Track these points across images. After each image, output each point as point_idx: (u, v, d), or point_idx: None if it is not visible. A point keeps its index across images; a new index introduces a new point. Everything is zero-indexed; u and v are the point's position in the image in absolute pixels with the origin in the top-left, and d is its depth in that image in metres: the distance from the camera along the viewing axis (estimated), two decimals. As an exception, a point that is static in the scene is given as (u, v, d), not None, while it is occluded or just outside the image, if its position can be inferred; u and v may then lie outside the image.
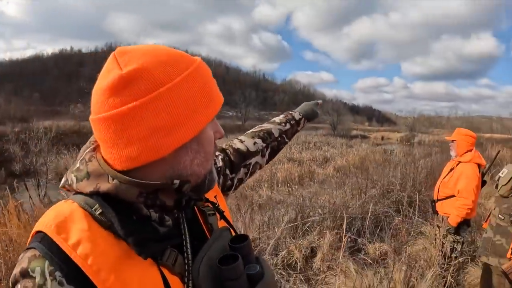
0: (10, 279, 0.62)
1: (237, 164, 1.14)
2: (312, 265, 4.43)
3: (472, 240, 4.89)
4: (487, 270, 2.77)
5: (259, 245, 4.49)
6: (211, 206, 0.83)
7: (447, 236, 3.71)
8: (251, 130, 1.26)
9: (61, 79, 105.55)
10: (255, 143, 1.20)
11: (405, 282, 2.98)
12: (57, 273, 0.58)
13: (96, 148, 0.73)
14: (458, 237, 3.68)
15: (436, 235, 4.04)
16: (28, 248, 0.63)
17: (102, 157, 0.69)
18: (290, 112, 1.36)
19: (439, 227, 3.91)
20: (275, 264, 4.25)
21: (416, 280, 3.15)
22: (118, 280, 0.61)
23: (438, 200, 3.94)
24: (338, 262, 3.58)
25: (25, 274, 0.59)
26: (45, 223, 0.63)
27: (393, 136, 53.75)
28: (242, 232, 0.85)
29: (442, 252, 3.72)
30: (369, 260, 4.04)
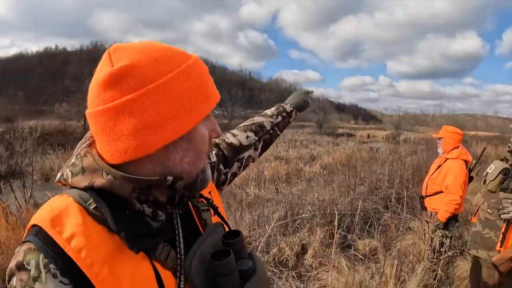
0: (7, 272, 0.63)
1: (231, 158, 1.14)
2: (303, 262, 4.47)
3: (459, 235, 4.99)
4: (476, 263, 2.85)
5: (250, 243, 4.51)
6: (205, 202, 0.84)
7: (436, 231, 3.79)
8: (243, 124, 1.27)
9: (46, 78, 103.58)
10: (247, 136, 1.20)
11: (396, 277, 3.04)
12: (52, 266, 0.59)
13: (91, 144, 0.74)
14: (446, 232, 3.76)
15: (425, 230, 4.12)
16: (23, 242, 0.64)
17: (97, 152, 0.71)
18: (281, 104, 1.37)
19: (428, 223, 3.99)
20: (267, 261, 4.28)
21: (407, 274, 3.21)
22: (111, 273, 0.62)
23: (426, 196, 4.02)
24: (330, 258, 3.63)
25: (20, 267, 0.60)
26: (41, 217, 0.64)
27: (379, 134, 54.11)
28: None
29: (431, 246, 3.80)
30: (360, 256, 4.10)
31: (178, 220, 0.75)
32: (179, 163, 0.70)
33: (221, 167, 1.11)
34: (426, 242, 3.94)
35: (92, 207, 0.65)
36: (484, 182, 2.79)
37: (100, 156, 0.70)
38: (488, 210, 2.71)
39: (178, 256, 0.71)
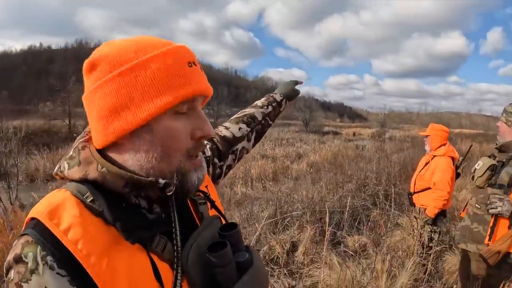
0: (4, 265, 0.64)
1: (225, 152, 1.15)
2: (294, 259, 4.50)
3: (447, 230, 5.09)
4: (465, 256, 2.91)
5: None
6: (202, 195, 0.85)
7: (424, 226, 3.86)
8: (234, 116, 1.27)
9: (30, 76, 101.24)
10: (240, 128, 1.21)
11: (387, 272, 3.09)
12: (49, 258, 0.60)
13: (89, 139, 0.75)
14: (435, 227, 3.84)
15: (413, 226, 4.19)
16: (21, 235, 0.64)
17: (95, 147, 0.73)
18: (271, 94, 1.37)
19: (416, 218, 4.06)
20: (258, 259, 4.29)
21: (397, 269, 3.27)
22: (108, 264, 0.62)
23: (414, 192, 4.09)
24: (322, 255, 3.67)
25: (18, 259, 0.61)
26: (38, 210, 0.65)
27: (364, 132, 54.62)
28: None
29: (420, 242, 3.88)
30: (350, 252, 4.15)
31: (175, 213, 0.76)
32: (145, 158, 0.69)
33: (216, 160, 1.12)
34: (415, 238, 4.01)
35: (89, 200, 0.66)
36: (472, 178, 2.86)
37: (97, 150, 0.72)
38: (477, 205, 2.78)
39: (175, 248, 0.71)
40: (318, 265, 3.81)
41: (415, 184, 4.10)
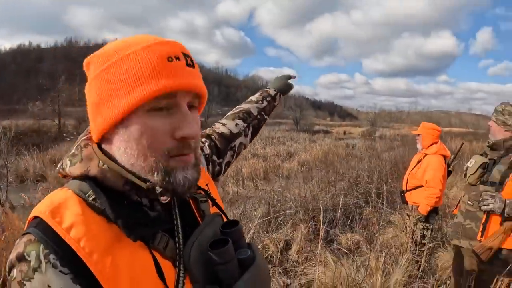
0: (7, 264, 0.63)
1: (223, 148, 1.15)
2: (288, 258, 4.51)
3: (439, 227, 5.15)
4: (458, 252, 2.96)
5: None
6: (203, 193, 0.85)
7: (417, 223, 3.91)
8: (230, 112, 1.28)
9: (19, 76, 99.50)
10: (236, 124, 1.22)
11: (381, 269, 3.13)
12: (51, 256, 0.60)
13: (92, 137, 0.76)
14: (427, 225, 3.89)
15: (406, 223, 4.24)
16: (24, 234, 0.64)
17: (97, 144, 0.74)
18: (265, 89, 1.38)
19: (409, 216, 4.10)
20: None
21: (391, 266, 3.31)
22: (110, 262, 0.62)
23: (407, 190, 4.13)
24: (317, 253, 3.69)
25: (20, 258, 0.61)
26: (41, 209, 0.66)
27: (355, 131, 54.84)
28: None
29: (413, 239, 3.92)
30: (344, 250, 4.18)
31: (177, 211, 0.77)
32: (123, 154, 0.69)
33: (215, 158, 1.12)
34: (408, 235, 4.06)
35: (91, 198, 0.67)
36: (465, 176, 2.91)
37: (99, 148, 0.73)
38: (469, 202, 2.83)
39: (177, 246, 0.72)
40: (313, 263, 3.83)
41: (407, 182, 4.15)
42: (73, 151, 0.74)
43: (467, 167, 2.88)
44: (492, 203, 2.60)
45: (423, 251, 3.79)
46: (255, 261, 0.75)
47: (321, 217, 3.60)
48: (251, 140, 1.29)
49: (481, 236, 2.68)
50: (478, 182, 2.79)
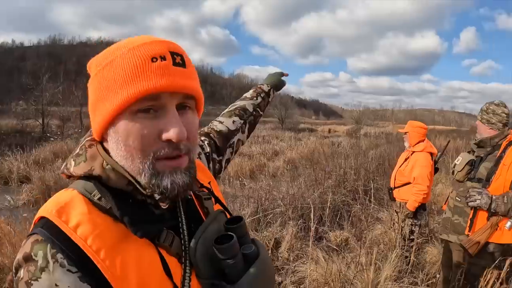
0: (13, 264, 0.64)
1: (222, 146, 1.17)
2: (278, 256, 4.54)
3: (426, 223, 5.25)
4: (447, 247, 3.05)
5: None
6: (206, 191, 0.86)
7: (405, 220, 3.99)
8: (226, 110, 1.30)
9: (2, 75, 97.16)
10: (233, 121, 1.24)
11: (371, 264, 3.18)
12: (59, 255, 0.60)
13: (95, 138, 0.77)
14: (415, 221, 3.97)
15: (394, 220, 4.31)
16: (30, 234, 0.65)
17: (102, 145, 0.74)
18: (259, 86, 1.41)
19: (397, 213, 4.18)
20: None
21: (381, 262, 3.37)
22: (118, 259, 0.63)
23: (395, 187, 4.21)
24: (308, 250, 3.73)
25: (28, 258, 0.61)
26: (47, 209, 0.66)
27: (339, 129, 54.99)
28: None
29: (401, 235, 4.00)
30: (334, 247, 4.24)
31: (181, 208, 0.78)
32: (116, 154, 0.70)
33: (215, 156, 1.14)
34: (396, 231, 4.13)
35: (97, 197, 0.68)
36: (453, 173, 2.98)
37: (103, 148, 0.74)
38: (457, 198, 2.91)
39: (182, 242, 0.73)
40: (304, 261, 3.87)
41: (395, 179, 4.22)
42: (77, 151, 0.75)
43: (455, 164, 2.96)
44: (479, 199, 2.67)
45: (412, 246, 3.86)
46: (260, 256, 0.75)
47: (311, 215, 3.64)
48: (248, 137, 1.31)
49: (469, 231, 2.77)
50: (466, 179, 2.88)
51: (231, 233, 0.73)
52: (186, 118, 0.71)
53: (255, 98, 1.35)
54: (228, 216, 0.85)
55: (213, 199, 0.87)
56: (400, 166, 4.21)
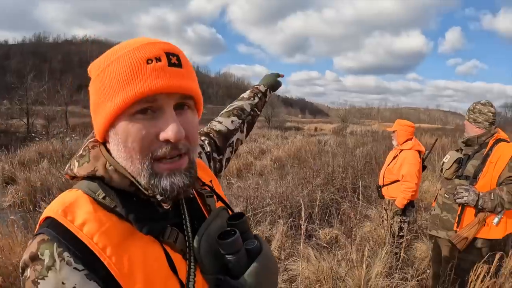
0: (20, 264, 0.64)
1: (222, 146, 1.19)
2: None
3: (414, 220, 5.33)
4: (437, 243, 3.13)
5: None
6: (208, 189, 0.88)
7: (394, 217, 4.05)
8: (224, 110, 1.32)
9: None
10: (232, 121, 1.26)
11: (362, 261, 3.23)
12: (65, 254, 0.61)
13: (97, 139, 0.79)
14: (404, 218, 4.03)
15: (383, 217, 4.37)
16: (36, 234, 0.66)
17: (105, 146, 0.76)
18: (256, 86, 1.44)
19: (386, 210, 4.24)
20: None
21: (371, 258, 3.42)
22: (124, 256, 0.64)
23: (383, 185, 4.27)
24: (299, 248, 3.76)
25: (34, 257, 0.62)
26: (52, 209, 0.67)
27: (326, 127, 55.35)
28: None
29: (391, 232, 4.06)
30: (325, 245, 4.28)
31: (184, 206, 0.80)
32: (117, 156, 0.71)
33: (215, 155, 1.16)
34: (385, 228, 4.19)
35: (101, 197, 0.69)
36: (441, 170, 3.06)
37: (106, 149, 0.75)
38: (445, 195, 2.98)
39: (186, 239, 0.74)
40: (295, 259, 3.90)
41: (383, 177, 4.28)
42: (80, 152, 0.77)
43: (443, 162, 3.03)
44: (466, 196, 2.74)
45: (401, 243, 3.93)
46: (263, 250, 0.77)
47: (302, 213, 3.67)
48: (246, 136, 1.33)
49: (457, 227, 2.85)
50: (454, 176, 2.95)
51: (234, 229, 0.75)
52: (185, 118, 0.72)
53: (252, 98, 1.38)
54: (230, 212, 0.87)
55: (215, 196, 0.88)
56: (388, 164, 4.26)
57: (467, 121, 2.96)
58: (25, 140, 17.74)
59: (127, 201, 0.69)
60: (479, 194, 2.71)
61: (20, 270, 0.65)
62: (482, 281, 2.58)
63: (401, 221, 4.03)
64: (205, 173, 0.96)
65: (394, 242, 3.96)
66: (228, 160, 1.23)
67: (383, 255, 3.45)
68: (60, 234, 0.63)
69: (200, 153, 1.09)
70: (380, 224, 4.60)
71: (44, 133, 22.16)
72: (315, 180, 7.32)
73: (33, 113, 25.62)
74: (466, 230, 2.77)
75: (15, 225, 4.22)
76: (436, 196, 3.16)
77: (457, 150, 3.03)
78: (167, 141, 0.67)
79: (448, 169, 2.95)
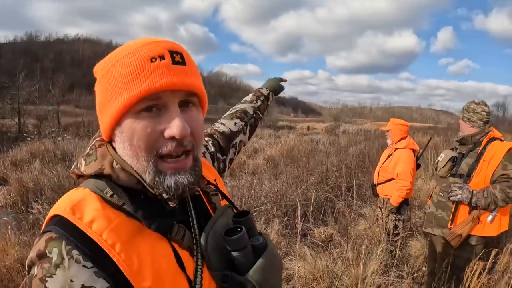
0: (26, 262, 0.64)
1: (226, 146, 1.20)
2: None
3: (408, 218, 5.37)
4: (432, 240, 3.16)
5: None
6: (213, 187, 0.89)
7: (389, 215, 4.08)
8: (228, 113, 1.34)
9: None
10: (235, 123, 1.28)
11: (358, 259, 3.25)
12: (74, 252, 0.61)
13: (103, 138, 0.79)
14: (399, 216, 4.06)
15: (377, 215, 4.40)
16: (43, 232, 0.66)
17: (112, 145, 0.77)
18: (258, 89, 1.46)
19: (380, 208, 4.27)
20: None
21: (366, 257, 3.44)
22: (133, 252, 0.65)
23: (378, 184, 4.29)
24: (295, 247, 3.77)
25: (42, 255, 0.62)
26: (60, 207, 0.68)
27: (318, 126, 55.42)
28: None
29: (386, 230, 4.09)
30: (320, 243, 4.30)
31: (190, 203, 0.81)
32: (123, 154, 0.72)
33: (219, 155, 1.17)
34: (380, 226, 4.22)
35: (109, 195, 0.70)
36: (436, 169, 3.09)
37: (113, 149, 0.76)
38: (440, 193, 3.01)
39: (193, 236, 0.75)
40: (291, 258, 3.91)
41: (378, 175, 4.30)
42: (87, 151, 0.77)
43: (438, 161, 3.06)
44: (460, 194, 2.78)
45: (396, 241, 3.96)
46: (268, 247, 0.78)
47: (298, 212, 3.68)
48: (249, 138, 1.35)
49: (451, 224, 2.88)
50: (448, 175, 2.98)
51: (240, 226, 0.76)
52: (190, 115, 0.72)
53: (255, 101, 1.39)
54: (235, 210, 0.88)
55: (219, 195, 0.89)
56: (383, 163, 4.29)
57: (462, 120, 3.00)
58: (17, 140, 17.53)
59: (135, 198, 0.70)
60: (472, 192, 2.75)
61: (26, 268, 0.65)
62: (478, 277, 2.61)
63: (396, 219, 4.06)
64: (209, 172, 0.97)
65: (389, 240, 3.99)
66: (231, 161, 1.24)
67: (378, 253, 3.48)
68: (69, 231, 0.63)
69: (204, 153, 1.10)
70: (375, 223, 4.63)
71: (36, 133, 21.94)
72: (309, 179, 7.33)
73: (24, 113, 25.36)
74: (460, 228, 2.80)
75: (8, 226, 4.18)
76: (431, 194, 3.19)
77: (452, 149, 3.06)
78: (172, 138, 0.68)
79: (442, 167, 2.99)
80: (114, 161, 0.73)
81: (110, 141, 0.77)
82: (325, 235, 4.97)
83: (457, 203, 2.86)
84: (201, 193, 0.86)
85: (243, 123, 1.30)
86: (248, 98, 1.42)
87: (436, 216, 3.03)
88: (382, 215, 4.21)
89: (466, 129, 2.97)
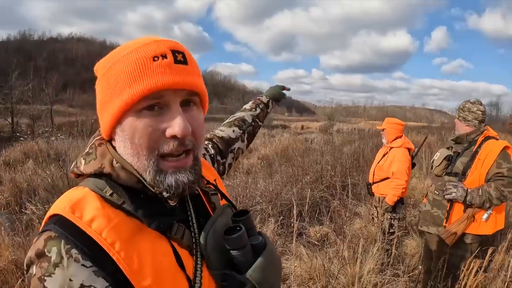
0: (25, 261, 0.64)
1: (225, 150, 1.21)
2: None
3: (403, 216, 5.39)
4: (427, 238, 3.18)
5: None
6: (212, 187, 0.89)
7: (384, 214, 4.10)
8: (226, 121, 1.34)
9: None
10: (233, 131, 1.28)
11: (354, 258, 3.26)
12: (73, 251, 0.61)
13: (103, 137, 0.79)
14: (394, 214, 4.08)
15: (373, 214, 4.41)
16: (42, 232, 0.65)
17: (111, 144, 0.76)
18: (258, 97, 1.47)
19: (376, 207, 4.28)
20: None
21: (362, 255, 3.45)
22: (133, 251, 0.65)
23: (374, 183, 4.31)
24: (291, 247, 3.78)
25: (40, 254, 0.61)
26: (59, 206, 0.67)
27: (312, 126, 55.58)
28: None
29: (381, 229, 4.10)
30: (316, 242, 4.30)
31: (190, 203, 0.81)
32: (124, 153, 0.71)
33: (218, 158, 1.18)
34: (376, 225, 4.24)
35: (108, 194, 0.70)
36: (432, 167, 3.10)
37: (113, 147, 0.76)
38: (435, 191, 3.04)
39: (193, 235, 0.75)
40: (287, 257, 3.91)
41: (374, 174, 4.32)
42: (87, 150, 0.77)
43: (433, 159, 3.08)
44: (455, 192, 2.80)
45: (392, 239, 3.98)
46: (267, 246, 0.78)
47: (294, 211, 3.68)
48: (247, 146, 1.35)
49: (446, 222, 2.91)
50: (444, 173, 3.00)
51: (240, 225, 0.76)
52: (191, 114, 0.72)
53: (254, 109, 1.40)
54: (234, 210, 0.88)
55: (219, 194, 0.90)
56: (378, 162, 4.31)
57: (457, 119, 3.02)
58: (10, 140, 17.37)
59: (135, 197, 0.70)
60: (467, 190, 2.77)
61: (25, 267, 0.64)
62: (474, 276, 2.63)
63: (391, 218, 4.08)
64: (209, 172, 0.98)
65: (385, 239, 4.01)
66: (230, 165, 1.25)
67: (374, 252, 3.49)
68: (68, 231, 0.63)
69: (204, 155, 1.11)
70: (370, 222, 4.64)
71: (29, 132, 21.77)
72: (304, 178, 7.33)
73: (17, 112, 25.17)
74: (455, 226, 2.82)
75: (1, 228, 4.15)
76: (427, 192, 3.21)
77: (447, 148, 3.08)
78: (173, 137, 0.68)
79: (438, 166, 3.01)
80: (114, 160, 0.72)
81: (110, 140, 0.76)
82: (321, 234, 4.98)
83: (452, 202, 2.89)
84: (201, 192, 0.87)
85: (241, 131, 1.31)
86: (247, 106, 1.42)
87: (431, 215, 3.04)
88: (377, 214, 4.22)
89: (462, 128, 2.99)
